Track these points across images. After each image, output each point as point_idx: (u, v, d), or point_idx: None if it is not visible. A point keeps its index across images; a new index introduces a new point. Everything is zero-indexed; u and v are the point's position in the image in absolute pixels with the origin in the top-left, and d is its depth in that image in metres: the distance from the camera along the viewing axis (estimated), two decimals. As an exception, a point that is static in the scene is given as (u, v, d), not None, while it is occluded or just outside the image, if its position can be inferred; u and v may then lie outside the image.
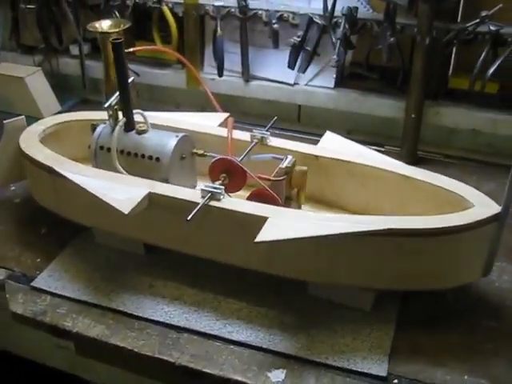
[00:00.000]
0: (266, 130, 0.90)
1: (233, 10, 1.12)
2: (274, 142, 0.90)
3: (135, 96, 0.91)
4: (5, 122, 0.93)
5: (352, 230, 0.67)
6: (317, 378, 0.68)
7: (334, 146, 0.89)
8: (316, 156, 0.87)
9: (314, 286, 0.78)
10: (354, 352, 0.71)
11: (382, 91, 1.13)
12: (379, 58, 1.09)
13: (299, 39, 1.05)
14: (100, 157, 0.86)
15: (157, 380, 0.75)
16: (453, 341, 0.73)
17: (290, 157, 0.81)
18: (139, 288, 0.81)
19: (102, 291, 0.81)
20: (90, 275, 0.84)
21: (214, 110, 1.04)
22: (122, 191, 0.77)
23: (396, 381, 0.68)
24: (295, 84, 1.18)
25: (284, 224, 0.70)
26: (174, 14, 1.17)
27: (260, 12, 1.11)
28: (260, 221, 0.70)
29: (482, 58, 0.96)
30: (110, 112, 0.85)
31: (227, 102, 1.10)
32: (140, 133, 0.85)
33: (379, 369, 0.69)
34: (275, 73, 1.18)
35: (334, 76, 1.14)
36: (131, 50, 0.98)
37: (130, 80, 0.84)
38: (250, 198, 0.79)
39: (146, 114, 0.87)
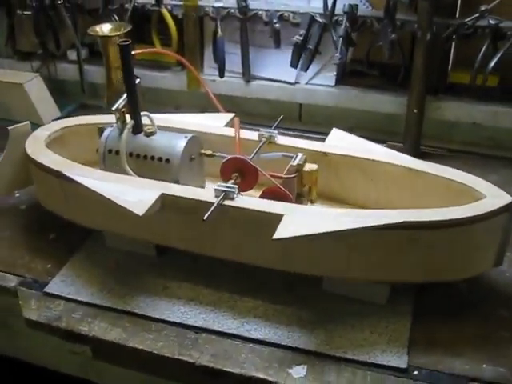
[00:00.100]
0: (274, 129, 0.91)
1: (232, 10, 1.13)
2: (282, 140, 0.90)
3: (141, 98, 0.91)
4: (9, 128, 0.92)
5: (369, 224, 0.67)
6: (338, 373, 0.69)
7: (341, 142, 0.90)
8: (325, 153, 0.87)
9: (329, 281, 0.79)
10: (372, 345, 0.72)
11: (383, 88, 1.14)
12: (379, 55, 1.10)
13: (301, 38, 1.05)
14: (108, 160, 0.86)
15: (176, 381, 0.75)
16: (468, 331, 0.74)
17: (300, 154, 0.81)
18: (153, 290, 0.81)
19: (116, 294, 0.81)
20: (102, 279, 0.83)
21: (215, 110, 1.05)
22: (134, 193, 0.77)
23: (416, 372, 0.69)
24: (296, 83, 1.18)
25: (300, 220, 0.70)
26: (174, 17, 1.17)
27: (260, 12, 1.11)
28: (275, 218, 0.70)
29: (482, 51, 0.98)
30: (118, 115, 0.85)
31: (228, 103, 1.11)
32: (148, 135, 0.85)
33: (399, 361, 0.69)
34: (276, 72, 1.19)
35: (335, 74, 1.14)
36: (133, 52, 0.98)
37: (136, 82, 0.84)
38: (262, 196, 0.79)
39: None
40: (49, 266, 0.87)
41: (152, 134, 0.85)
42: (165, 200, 0.77)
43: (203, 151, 0.87)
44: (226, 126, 0.96)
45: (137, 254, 0.87)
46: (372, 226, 0.68)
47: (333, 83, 1.16)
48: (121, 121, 0.85)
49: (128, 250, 0.87)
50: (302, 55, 1.09)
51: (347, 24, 1.01)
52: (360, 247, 0.72)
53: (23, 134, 0.93)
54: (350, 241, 0.71)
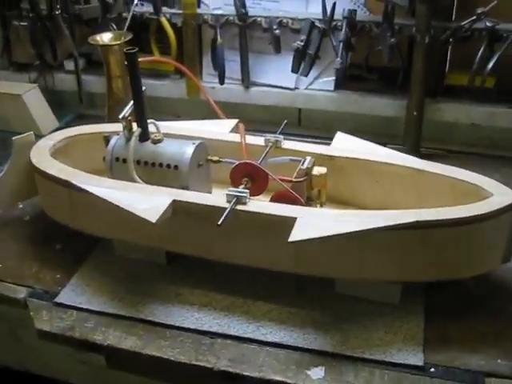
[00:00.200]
0: (279, 134, 0.92)
1: (231, 17, 1.14)
2: (288, 144, 0.91)
3: (147, 106, 0.92)
4: (14, 138, 0.92)
5: (383, 225, 0.68)
6: (356, 373, 0.69)
7: (346, 145, 0.91)
8: (331, 156, 0.88)
9: (341, 283, 0.79)
10: (388, 345, 0.72)
11: (382, 91, 1.15)
12: (377, 59, 1.11)
13: (302, 43, 1.06)
14: (116, 168, 0.86)
15: (194, 387, 0.75)
16: (480, 327, 0.75)
17: (309, 158, 0.82)
18: (166, 297, 0.81)
19: (128, 303, 0.80)
20: (113, 288, 0.83)
21: (216, 117, 1.05)
22: (145, 201, 0.77)
23: (433, 369, 0.69)
24: (295, 88, 1.19)
25: (314, 223, 0.71)
26: (172, 25, 1.17)
27: (259, 19, 1.12)
28: (288, 221, 0.71)
29: (480, 54, 1.00)
30: (125, 123, 0.85)
31: (227, 109, 1.11)
32: (155, 142, 0.85)
33: (415, 359, 0.70)
34: (275, 78, 1.20)
35: (334, 78, 1.16)
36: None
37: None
38: (272, 201, 0.80)
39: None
40: (58, 276, 0.86)
41: (159, 141, 0.86)
42: (176, 206, 0.77)
43: (210, 157, 0.88)
44: (230, 132, 0.97)
45: (146, 261, 0.87)
46: (386, 226, 0.68)
47: (332, 88, 1.18)
48: (127, 129, 0.85)
49: (137, 258, 0.87)
50: (303, 60, 1.10)
51: (347, 29, 1.02)
52: (373, 248, 0.73)
53: (27, 144, 0.93)
54: (362, 242, 0.72)
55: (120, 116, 0.84)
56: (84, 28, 1.25)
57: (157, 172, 0.84)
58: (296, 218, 0.71)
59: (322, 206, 0.84)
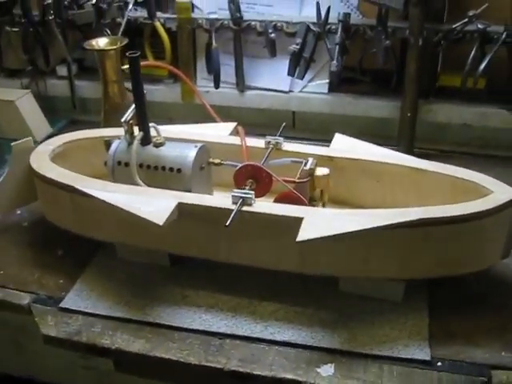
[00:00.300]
0: (279, 136, 0.92)
1: (226, 22, 1.14)
2: (288, 146, 0.92)
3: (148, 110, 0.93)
4: (12, 144, 0.92)
5: (389, 222, 0.70)
6: (365, 369, 0.70)
7: (345, 146, 0.92)
8: (331, 157, 0.89)
9: (345, 282, 0.81)
10: (395, 341, 0.74)
11: (375, 93, 1.17)
12: (370, 62, 1.13)
13: (298, 47, 1.08)
14: (118, 172, 0.86)
15: (204, 388, 0.75)
16: (483, 322, 0.77)
17: (311, 159, 0.83)
18: (172, 300, 0.81)
19: (134, 306, 0.80)
20: (118, 291, 0.83)
21: (211, 121, 1.06)
22: (150, 203, 0.77)
23: (440, 363, 0.71)
24: (290, 91, 1.21)
25: (320, 222, 0.72)
26: (167, 30, 1.18)
27: (254, 23, 1.13)
28: (294, 221, 0.72)
29: (472, 55, 1.02)
30: (126, 127, 0.85)
31: (221, 113, 1.12)
32: (158, 146, 0.86)
33: (422, 354, 0.71)
34: (270, 81, 1.21)
35: (328, 81, 1.17)
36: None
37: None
38: (276, 202, 0.80)
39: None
40: (61, 281, 0.86)
41: (161, 144, 0.86)
42: (181, 209, 0.77)
43: (211, 160, 0.88)
44: (230, 134, 0.97)
45: (150, 265, 0.87)
46: (393, 224, 0.70)
47: (326, 90, 1.19)
48: (129, 133, 0.86)
49: (141, 262, 0.87)
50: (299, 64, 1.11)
51: (342, 32, 1.04)
52: (377, 246, 0.74)
53: (26, 150, 0.92)
54: (367, 240, 0.73)
55: (122, 120, 0.84)
56: (76, 33, 1.25)
57: (159, 175, 0.84)
58: (303, 218, 0.72)
59: (324, 206, 0.85)
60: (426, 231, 0.73)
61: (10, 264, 0.90)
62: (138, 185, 0.83)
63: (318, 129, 1.21)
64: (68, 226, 0.88)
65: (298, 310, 0.79)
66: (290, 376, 0.69)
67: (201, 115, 1.15)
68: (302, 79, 1.14)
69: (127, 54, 0.80)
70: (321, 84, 1.19)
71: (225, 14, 1.15)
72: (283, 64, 1.16)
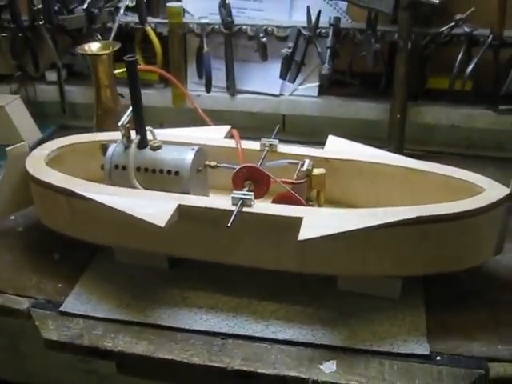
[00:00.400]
0: (273, 138, 0.94)
1: (217, 26, 1.16)
2: (283, 148, 0.93)
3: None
4: (7, 149, 0.91)
5: (389, 220, 0.71)
6: (366, 364, 0.72)
7: (339, 148, 0.94)
8: (326, 158, 0.91)
9: (343, 280, 0.82)
10: (394, 337, 0.75)
11: (364, 96, 1.19)
12: (359, 65, 1.15)
13: (290, 50, 1.09)
14: (115, 176, 0.86)
15: (208, 388, 0.76)
16: (478, 317, 0.79)
17: (307, 160, 0.85)
18: (172, 301, 0.82)
19: (135, 308, 0.81)
20: (117, 294, 0.83)
21: (203, 125, 1.07)
22: (149, 206, 0.78)
23: (439, 357, 0.73)
24: (280, 95, 1.22)
25: (320, 221, 0.73)
26: (158, 34, 1.19)
27: (244, 27, 1.14)
28: (294, 222, 0.73)
29: (459, 58, 1.05)
30: (123, 131, 0.86)
31: (213, 117, 1.13)
32: (155, 149, 0.86)
33: (421, 348, 0.73)
34: (260, 85, 1.22)
35: (318, 84, 1.19)
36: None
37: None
38: (274, 202, 0.82)
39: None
40: (59, 285, 0.86)
41: (158, 147, 0.87)
42: (181, 210, 0.78)
43: (208, 163, 0.89)
44: (224, 137, 0.98)
45: (149, 267, 0.87)
46: (392, 222, 0.71)
47: (316, 93, 1.21)
48: (126, 136, 0.86)
49: (139, 264, 0.88)
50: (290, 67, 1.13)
51: (333, 36, 1.06)
52: (375, 244, 0.76)
53: (21, 154, 0.92)
54: (365, 239, 0.75)
55: (119, 123, 0.85)
56: (66, 38, 1.25)
57: (157, 178, 0.85)
58: (302, 218, 0.73)
59: (320, 206, 0.86)
60: (422, 229, 0.75)
61: (6, 269, 0.89)
62: (135, 188, 0.84)
63: (309, 131, 1.23)
64: (65, 230, 0.88)
65: (298, 309, 0.80)
66: (293, 373, 0.70)
67: (191, 119, 1.15)
68: (293, 82, 1.16)
69: (124, 58, 0.80)
70: (311, 87, 1.21)
71: (216, 19, 1.16)
72: (273, 68, 1.18)
